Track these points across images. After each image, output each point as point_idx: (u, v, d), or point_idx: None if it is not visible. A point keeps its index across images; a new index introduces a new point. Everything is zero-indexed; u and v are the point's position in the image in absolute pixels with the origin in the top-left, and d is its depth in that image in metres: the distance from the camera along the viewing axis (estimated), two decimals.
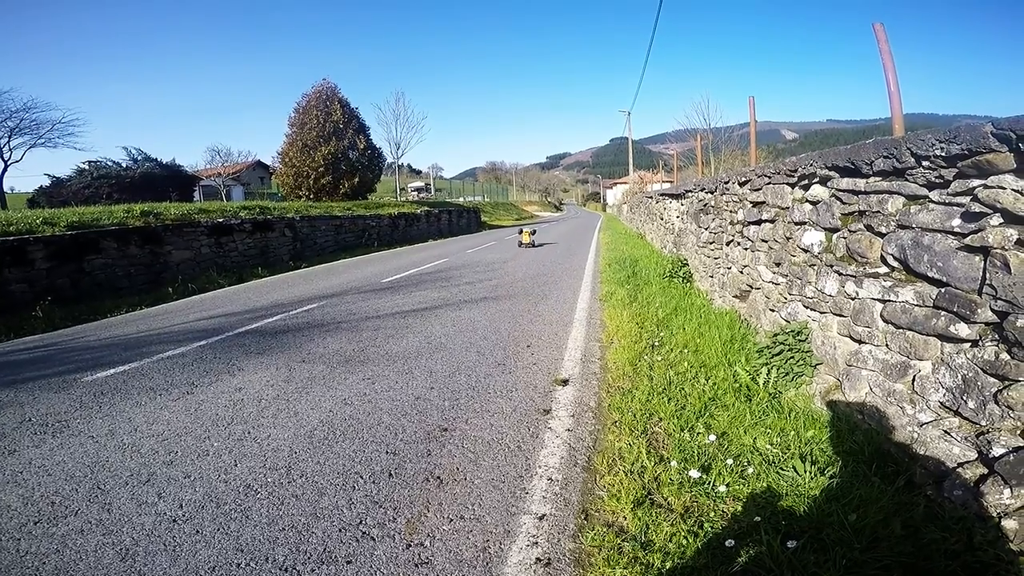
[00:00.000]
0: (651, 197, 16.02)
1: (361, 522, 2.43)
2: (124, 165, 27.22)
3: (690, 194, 8.53)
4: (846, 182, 2.99)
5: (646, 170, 51.34)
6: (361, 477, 2.84)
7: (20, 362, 5.69)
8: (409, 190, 53.70)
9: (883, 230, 2.64)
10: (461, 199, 55.99)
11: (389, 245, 20.94)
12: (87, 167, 26.65)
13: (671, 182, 18.86)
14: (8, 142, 25.97)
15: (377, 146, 29.42)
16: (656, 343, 4.84)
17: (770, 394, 3.37)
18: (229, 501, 2.65)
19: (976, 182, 2.02)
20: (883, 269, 2.68)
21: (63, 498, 2.77)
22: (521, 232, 17.68)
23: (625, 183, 49.65)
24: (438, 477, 2.81)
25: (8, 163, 26.14)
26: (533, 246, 16.87)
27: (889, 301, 2.57)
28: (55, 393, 4.44)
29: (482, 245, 19.10)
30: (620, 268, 9.87)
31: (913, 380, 2.40)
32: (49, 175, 26.84)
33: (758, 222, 4.56)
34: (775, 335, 3.69)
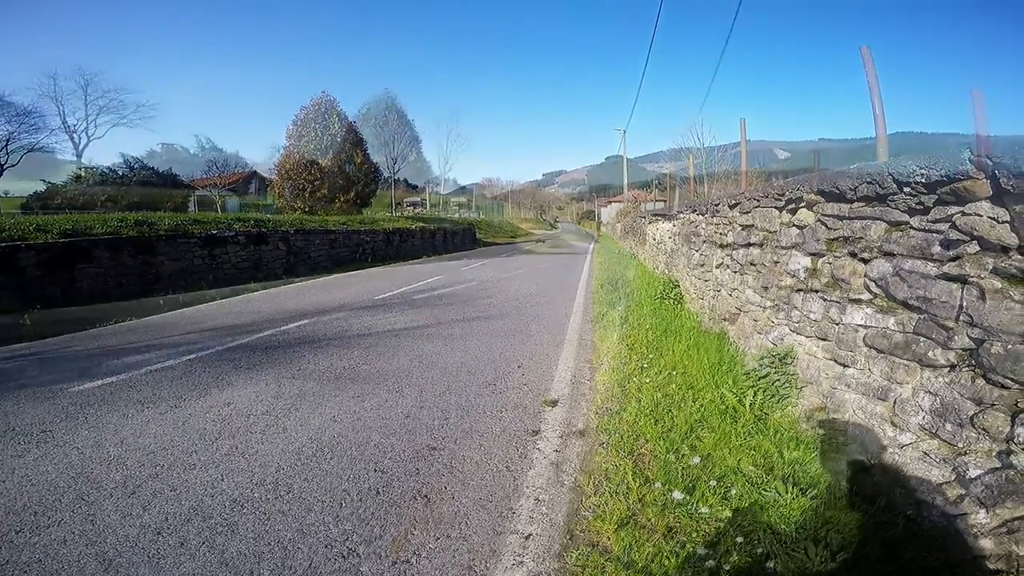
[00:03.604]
0: (644, 217, 16.18)
1: (347, 539, 2.43)
2: (120, 173, 27.20)
3: (681, 216, 8.65)
4: (831, 207, 3.05)
5: (640, 189, 51.87)
6: (348, 494, 2.83)
7: (5, 371, 5.63)
8: (404, 205, 53.89)
9: (866, 256, 2.71)
10: (456, 215, 56.25)
11: (383, 261, 20.94)
12: (83, 173, 26.61)
13: (664, 201, 19.10)
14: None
15: (374, 161, 29.61)
16: (645, 365, 4.86)
17: (756, 416, 3.41)
18: (215, 515, 2.64)
19: (954, 209, 2.09)
20: (866, 295, 2.74)
21: (46, 508, 2.74)
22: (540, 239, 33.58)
23: (620, 201, 50.05)
24: (425, 496, 2.81)
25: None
26: (543, 242, 28.35)
27: (871, 327, 2.63)
28: (40, 403, 4.40)
29: (476, 263, 19.16)
30: (612, 289, 9.94)
31: (894, 403, 2.45)
32: (44, 180, 26.76)
33: (747, 245, 4.64)
34: (762, 358, 3.74)
